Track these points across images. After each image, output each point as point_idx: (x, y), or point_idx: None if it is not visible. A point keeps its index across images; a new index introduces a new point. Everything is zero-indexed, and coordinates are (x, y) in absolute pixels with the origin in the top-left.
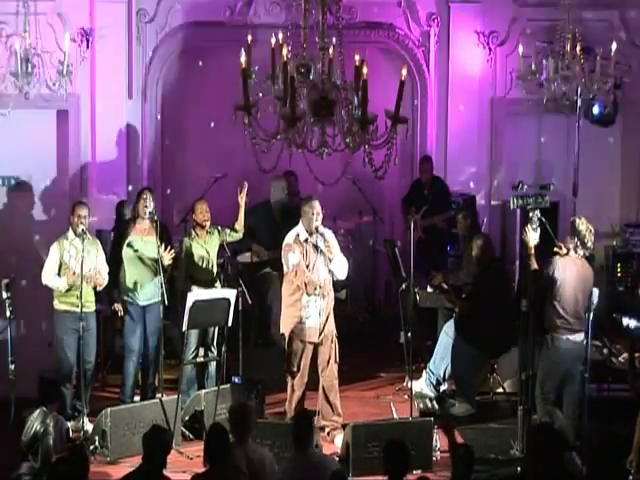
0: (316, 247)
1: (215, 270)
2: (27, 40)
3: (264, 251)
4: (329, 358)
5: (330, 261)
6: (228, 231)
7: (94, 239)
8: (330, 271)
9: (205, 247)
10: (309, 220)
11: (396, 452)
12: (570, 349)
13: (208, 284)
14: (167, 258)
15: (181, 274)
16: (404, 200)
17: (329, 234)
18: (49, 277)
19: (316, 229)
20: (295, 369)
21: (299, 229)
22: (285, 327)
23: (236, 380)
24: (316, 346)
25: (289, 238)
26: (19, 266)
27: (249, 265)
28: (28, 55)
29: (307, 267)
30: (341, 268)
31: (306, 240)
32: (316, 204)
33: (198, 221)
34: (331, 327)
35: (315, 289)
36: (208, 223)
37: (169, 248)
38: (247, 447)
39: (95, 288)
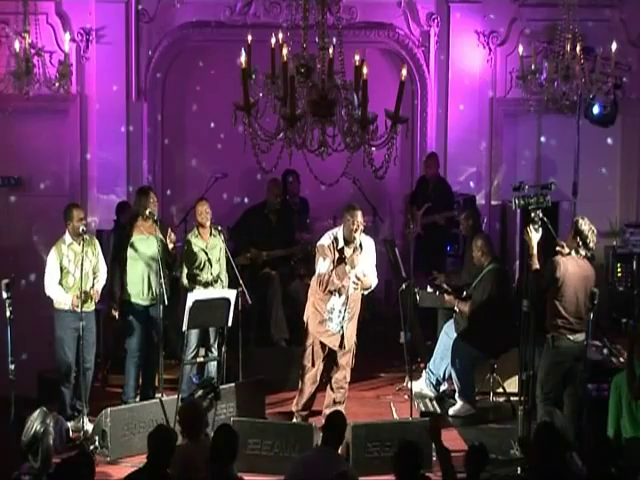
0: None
1: (216, 272)
2: (27, 40)
3: (261, 254)
4: (344, 363)
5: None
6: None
7: (92, 238)
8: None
9: (206, 248)
10: (349, 230)
11: (409, 453)
12: (571, 349)
13: (208, 284)
14: (171, 240)
15: (183, 274)
16: (410, 197)
17: (368, 245)
18: (54, 289)
19: (353, 240)
20: (309, 364)
21: (340, 234)
22: (307, 318)
23: (194, 379)
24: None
25: (325, 239)
26: (19, 266)
27: (249, 265)
28: (28, 55)
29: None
30: (367, 279)
31: (342, 249)
32: (358, 214)
33: (198, 220)
34: (351, 335)
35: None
36: (208, 223)
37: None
38: (200, 445)
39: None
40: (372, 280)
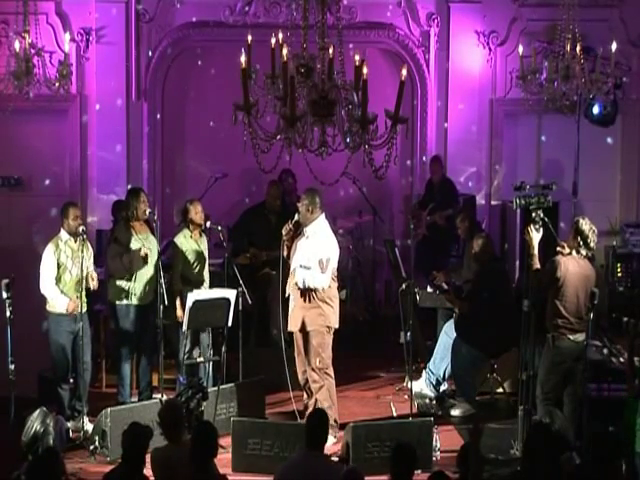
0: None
1: (206, 271)
2: (27, 40)
3: (261, 254)
4: (307, 361)
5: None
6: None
7: (85, 242)
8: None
9: (201, 247)
10: None
11: (404, 455)
12: (571, 349)
13: (198, 284)
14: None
15: (176, 274)
16: (419, 204)
17: (311, 240)
18: (49, 289)
19: (296, 220)
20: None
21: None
22: None
23: (180, 379)
24: None
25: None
26: (19, 266)
27: (248, 265)
28: (28, 55)
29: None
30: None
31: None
32: (302, 196)
33: (196, 221)
34: (295, 327)
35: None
36: (208, 223)
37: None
38: (181, 446)
39: (88, 289)
40: (304, 276)
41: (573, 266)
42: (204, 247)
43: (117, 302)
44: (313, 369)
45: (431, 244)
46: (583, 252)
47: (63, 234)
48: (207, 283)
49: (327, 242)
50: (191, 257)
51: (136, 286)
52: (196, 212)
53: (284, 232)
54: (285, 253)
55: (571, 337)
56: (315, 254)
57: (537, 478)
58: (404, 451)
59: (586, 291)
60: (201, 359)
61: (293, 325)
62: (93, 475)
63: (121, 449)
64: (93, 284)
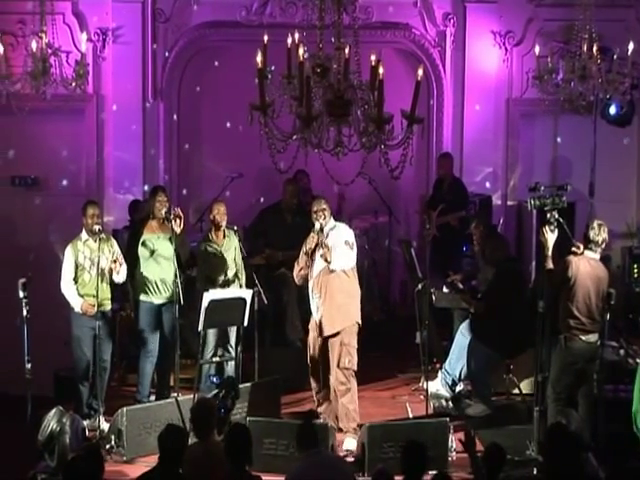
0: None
1: (232, 272)
2: (44, 40)
3: (277, 254)
4: (333, 361)
5: (327, 261)
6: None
7: (108, 236)
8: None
9: (221, 249)
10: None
11: (414, 453)
12: (583, 349)
13: (224, 285)
14: (116, 270)
15: (200, 275)
16: (428, 201)
17: (335, 236)
18: (67, 289)
19: (320, 227)
20: (308, 361)
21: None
22: None
23: (214, 380)
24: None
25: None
26: (36, 265)
27: (264, 265)
28: (45, 55)
29: (308, 255)
30: (335, 261)
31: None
32: (314, 203)
33: (214, 222)
34: (332, 329)
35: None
36: (224, 224)
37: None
38: (209, 444)
39: (112, 283)
40: (334, 258)
41: (584, 266)
42: (226, 247)
43: (141, 299)
44: (341, 369)
45: (442, 244)
46: (592, 250)
47: (83, 234)
48: (241, 282)
49: (346, 229)
50: (210, 258)
51: (157, 285)
52: (217, 212)
53: (309, 246)
54: (303, 264)
55: (583, 338)
56: (340, 240)
57: (556, 479)
58: (414, 449)
59: (598, 292)
60: (216, 358)
61: (330, 328)
62: (109, 474)
63: (158, 450)
64: (117, 272)
